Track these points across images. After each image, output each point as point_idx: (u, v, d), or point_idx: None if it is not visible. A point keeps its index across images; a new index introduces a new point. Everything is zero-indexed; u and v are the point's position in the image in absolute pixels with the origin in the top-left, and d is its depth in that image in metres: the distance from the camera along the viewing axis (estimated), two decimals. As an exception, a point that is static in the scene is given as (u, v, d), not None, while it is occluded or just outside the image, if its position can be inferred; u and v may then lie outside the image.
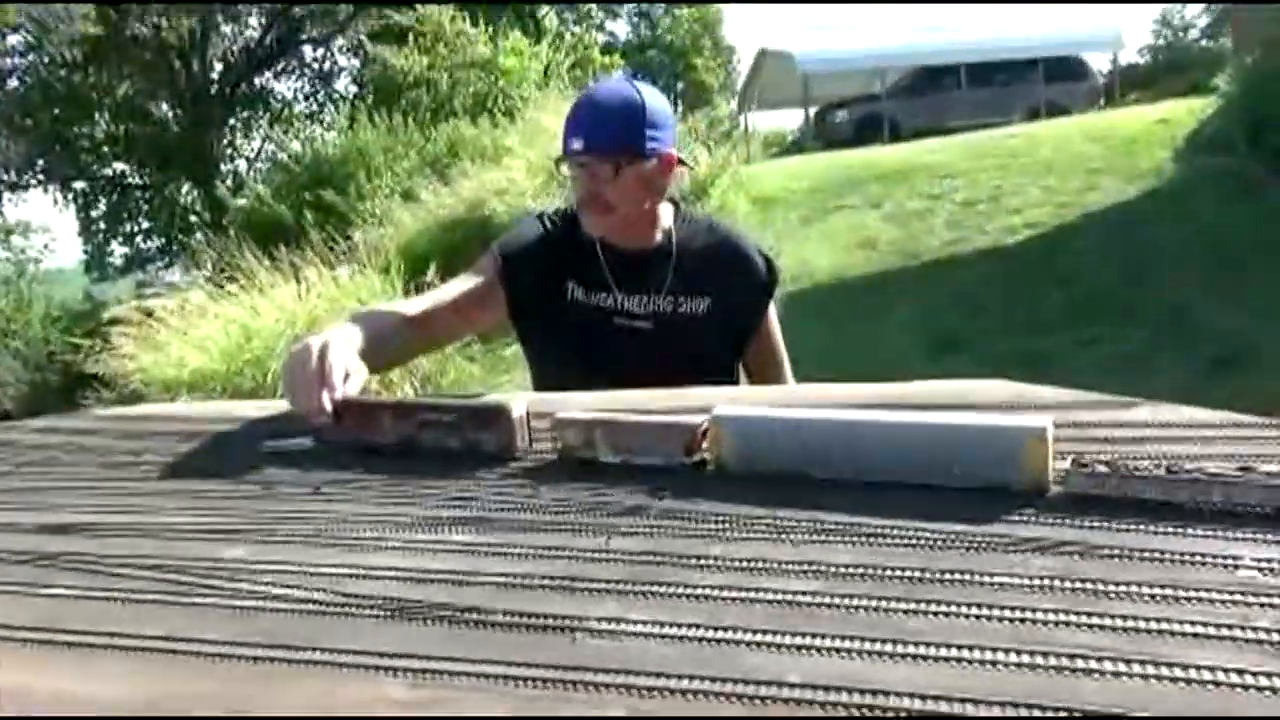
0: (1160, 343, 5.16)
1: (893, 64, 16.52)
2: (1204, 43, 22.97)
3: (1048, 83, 15.78)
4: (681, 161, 1.69)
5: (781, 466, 0.91)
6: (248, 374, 5.86)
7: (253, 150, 26.40)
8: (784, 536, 0.77)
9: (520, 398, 1.12)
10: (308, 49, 27.40)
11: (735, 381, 1.77)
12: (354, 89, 26.32)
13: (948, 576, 0.68)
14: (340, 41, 26.91)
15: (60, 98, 22.94)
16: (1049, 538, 0.73)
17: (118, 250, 26.21)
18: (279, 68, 27.24)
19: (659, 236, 1.67)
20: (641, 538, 0.80)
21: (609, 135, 1.53)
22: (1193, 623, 0.59)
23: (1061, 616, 0.61)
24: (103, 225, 25.85)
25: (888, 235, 7.43)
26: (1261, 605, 0.61)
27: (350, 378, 1.22)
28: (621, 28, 27.61)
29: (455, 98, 16.01)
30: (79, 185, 25.50)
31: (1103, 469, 0.79)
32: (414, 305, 1.68)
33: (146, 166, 25.22)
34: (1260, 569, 0.66)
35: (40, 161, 23.86)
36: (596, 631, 0.62)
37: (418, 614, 0.67)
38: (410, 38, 17.11)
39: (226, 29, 25.68)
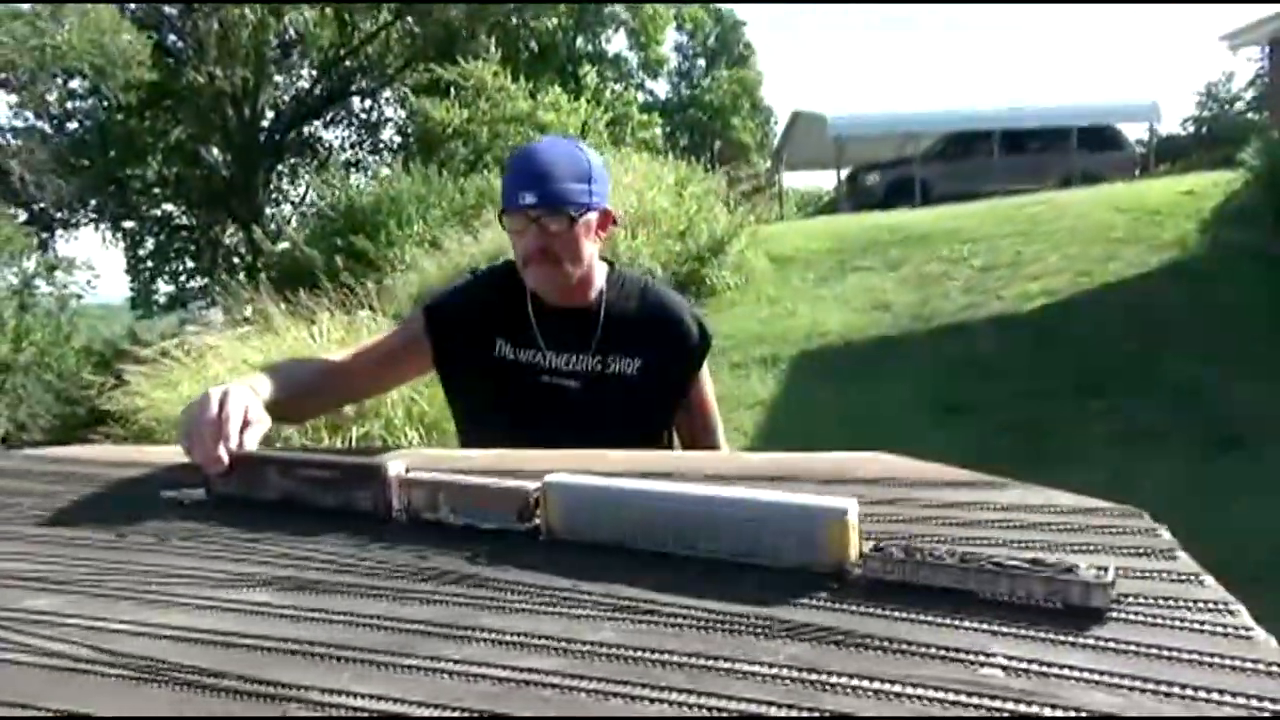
0: (1170, 418, 5.06)
1: (926, 129, 16.59)
2: (1250, 115, 22.84)
3: (1082, 151, 15.74)
4: (614, 221, 1.71)
5: (608, 537, 0.91)
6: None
7: (298, 196, 27.02)
8: (565, 610, 0.77)
9: (404, 456, 1.12)
10: (356, 100, 28.18)
11: (668, 445, 1.76)
12: (399, 139, 27.00)
13: (694, 661, 0.67)
14: (387, 93, 27.68)
15: (116, 140, 23.66)
16: (814, 624, 0.72)
17: (163, 288, 26.77)
18: (328, 117, 27.96)
19: (592, 294, 1.68)
20: (430, 605, 0.80)
21: (560, 189, 1.55)
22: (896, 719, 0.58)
23: (771, 710, 0.60)
24: (150, 263, 26.50)
25: (902, 298, 7.39)
26: (980, 704, 0.60)
27: (250, 427, 1.23)
28: (662, 86, 28.06)
29: (493, 150, 16.34)
30: (129, 224, 26.19)
31: (899, 554, 0.78)
32: (338, 356, 1.70)
33: (195, 208, 25.91)
34: (1005, 667, 0.64)
35: (93, 200, 24.53)
36: (312, 703, 0.62)
37: (160, 676, 0.67)
38: (452, 91, 17.51)
39: (279, 78, 26.52)
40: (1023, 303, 6.99)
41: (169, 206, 26.81)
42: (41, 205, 20.69)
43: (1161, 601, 0.72)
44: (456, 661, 0.68)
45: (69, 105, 22.98)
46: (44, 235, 22.57)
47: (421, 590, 0.82)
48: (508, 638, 0.71)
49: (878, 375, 6.04)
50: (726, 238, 8.42)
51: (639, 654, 0.68)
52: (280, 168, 26.97)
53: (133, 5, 22.45)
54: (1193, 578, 0.76)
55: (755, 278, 8.40)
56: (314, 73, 26.64)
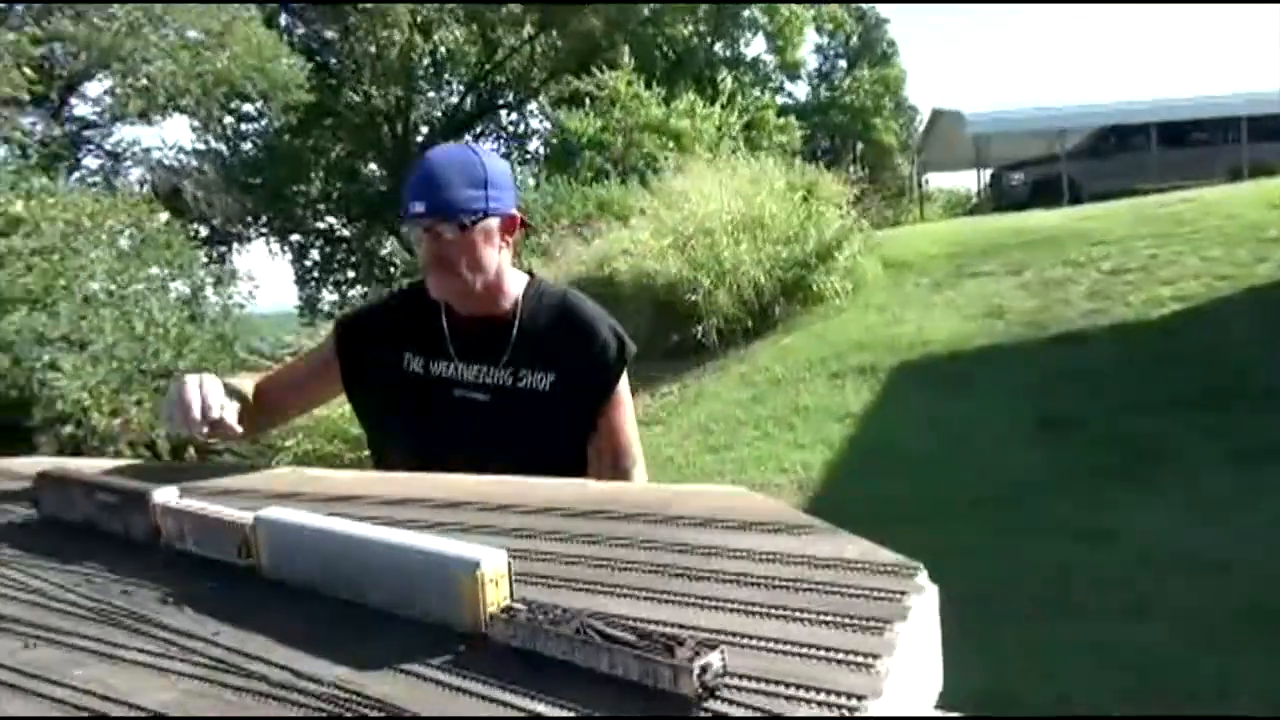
0: (1300, 438, 4.55)
1: (1075, 124, 15.65)
2: None
3: (1253, 142, 14.48)
4: (525, 223, 1.66)
5: (303, 580, 0.86)
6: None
7: (445, 207, 28.12)
8: (161, 664, 0.72)
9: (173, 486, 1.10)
10: (504, 113, 29.11)
11: (581, 463, 1.68)
12: (545, 150, 27.69)
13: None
14: (532, 106, 28.47)
15: (282, 159, 25.23)
16: (372, 696, 0.65)
17: (327, 297, 28.34)
18: (477, 130, 28.97)
19: (506, 305, 1.64)
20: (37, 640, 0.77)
21: (450, 197, 1.52)
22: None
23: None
24: (315, 274, 28.14)
25: (1019, 305, 6.97)
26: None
27: (226, 407, 1.38)
28: (801, 89, 27.64)
29: (627, 158, 16.51)
30: (295, 237, 27.88)
31: (524, 618, 0.70)
32: (259, 378, 1.72)
33: (354, 221, 27.34)
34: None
35: (263, 216, 26.22)
36: None
37: None
38: (588, 102, 17.82)
39: (430, 95, 27.70)
40: (1150, 309, 6.46)
41: (331, 220, 28.38)
42: (214, 222, 22.26)
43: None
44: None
45: (242, 127, 24.73)
46: (221, 249, 24.32)
47: (49, 627, 0.80)
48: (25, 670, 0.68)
49: (979, 386, 5.71)
50: (836, 243, 8.17)
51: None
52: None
53: (299, 30, 23.97)
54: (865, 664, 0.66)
55: (866, 284, 8.12)
56: (462, 89, 27.70)
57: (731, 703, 0.61)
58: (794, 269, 8.00)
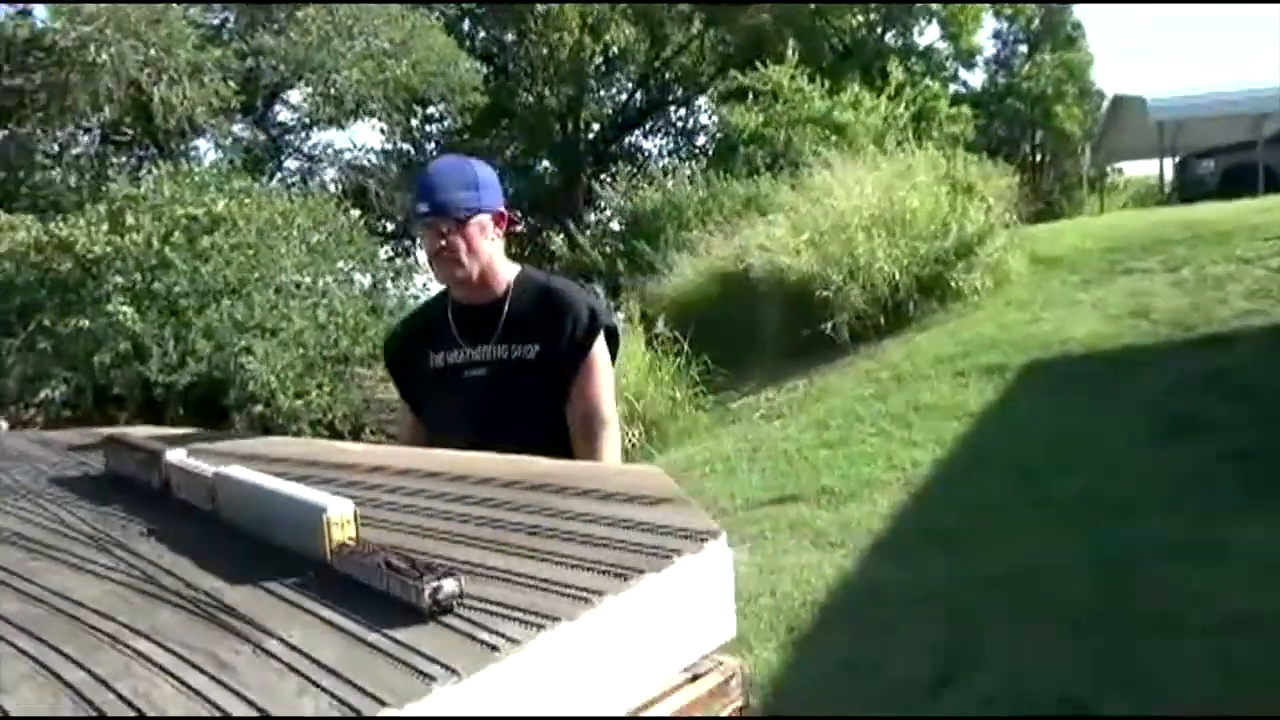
0: None
1: (1273, 107, 14.42)
2: None
3: None
4: (511, 220, 1.97)
5: (244, 520, 1.11)
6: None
7: (612, 203, 28.73)
8: (97, 570, 0.98)
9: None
10: (673, 108, 29.45)
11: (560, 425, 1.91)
12: (713, 145, 27.85)
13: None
14: (701, 101, 28.67)
15: (461, 157, 26.54)
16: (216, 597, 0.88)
17: (503, 289, 29.59)
18: (647, 126, 29.45)
19: (499, 290, 1.95)
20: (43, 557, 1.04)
21: (448, 198, 1.86)
22: None
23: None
24: (490, 266, 29.48)
25: (1170, 304, 6.61)
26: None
27: None
28: (978, 76, 26.59)
29: (789, 153, 16.48)
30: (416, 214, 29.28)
31: (347, 553, 0.91)
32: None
33: (527, 216, 28.42)
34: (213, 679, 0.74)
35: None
36: None
37: None
38: (750, 97, 17.85)
39: (601, 93, 28.40)
40: (1318, 310, 6.00)
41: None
42: (399, 218, 23.69)
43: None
44: None
45: (427, 129, 26.16)
46: (406, 243, 25.85)
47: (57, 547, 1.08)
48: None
49: (1110, 388, 5.49)
50: (978, 238, 7.97)
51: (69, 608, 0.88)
52: (604, 176, 28.85)
53: (479, 35, 25.15)
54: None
55: (1010, 281, 7.88)
56: (631, 85, 28.24)
57: (459, 617, 0.80)
58: (932, 265, 7.87)
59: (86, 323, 10.61)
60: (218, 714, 0.65)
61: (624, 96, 28.53)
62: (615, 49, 26.85)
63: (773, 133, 17.56)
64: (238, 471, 1.14)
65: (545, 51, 25.18)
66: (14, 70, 14.04)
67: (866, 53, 24.67)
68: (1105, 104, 22.20)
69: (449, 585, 0.81)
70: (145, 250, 11.34)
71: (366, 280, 16.55)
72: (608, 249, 14.82)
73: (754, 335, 8.16)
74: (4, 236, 10.72)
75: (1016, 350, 6.42)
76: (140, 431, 1.79)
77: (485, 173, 1.93)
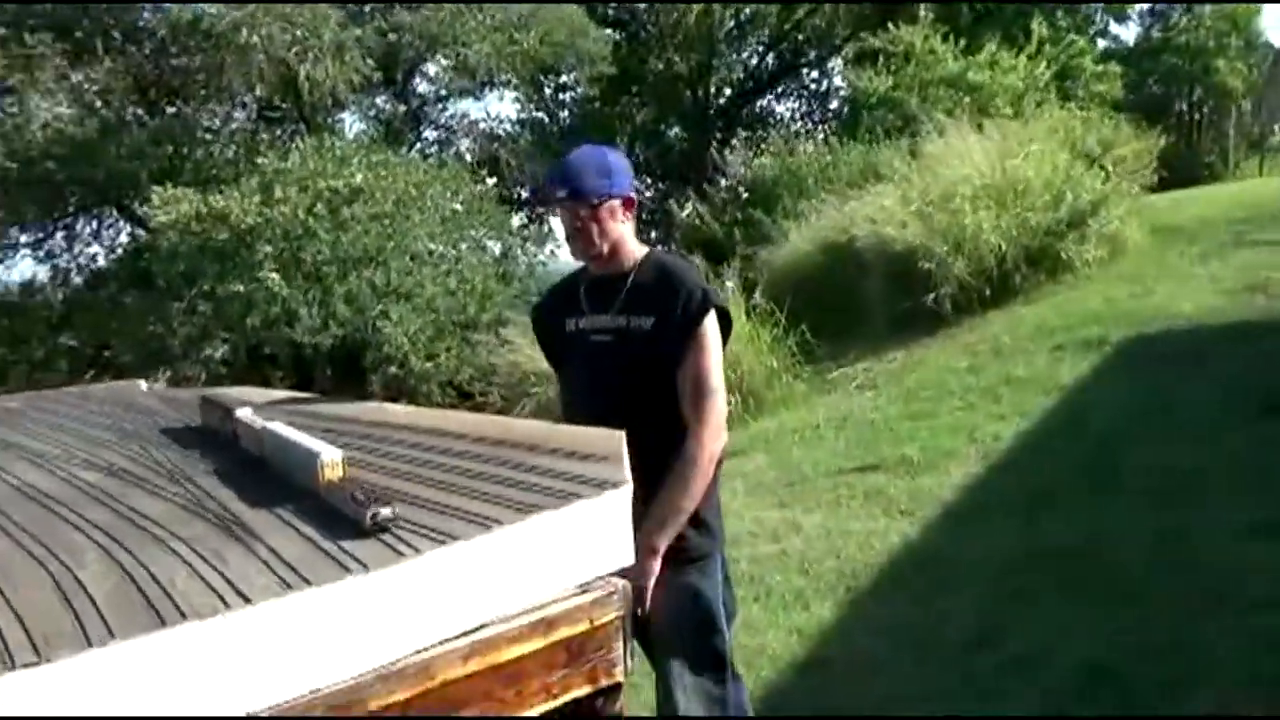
0: None
1: None
2: None
3: None
4: (641, 204, 2.23)
5: (277, 462, 1.45)
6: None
7: (740, 168, 28.63)
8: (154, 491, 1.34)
9: (255, 403, 1.75)
10: (805, 71, 29.00)
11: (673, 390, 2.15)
12: (847, 109, 27.33)
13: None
14: (835, 63, 28.14)
15: (592, 126, 26.94)
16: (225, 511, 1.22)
17: (632, 255, 30.00)
18: (779, 89, 29.14)
19: (626, 266, 2.21)
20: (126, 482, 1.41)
21: (583, 184, 2.13)
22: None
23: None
24: (618, 233, 29.93)
25: (1291, 278, 6.35)
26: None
27: None
28: (1132, 31, 25.11)
29: (917, 118, 16.13)
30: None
31: (332, 489, 1.23)
32: None
33: (656, 182, 28.69)
34: (213, 568, 1.09)
35: (573, 179, 28.17)
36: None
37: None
38: (879, 58, 17.49)
39: (732, 57, 28.23)
40: None
41: (635, 182, 29.90)
42: (530, 186, 24.35)
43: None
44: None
45: (560, 97, 26.70)
46: (540, 210, 26.53)
47: (140, 474, 1.45)
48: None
49: (1208, 366, 5.38)
50: (1092, 208, 7.78)
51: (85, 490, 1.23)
52: (734, 142, 28.77)
53: (611, 3, 25.41)
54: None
55: (1126, 252, 7.68)
56: (761, 49, 27.96)
57: (394, 534, 1.10)
58: (1042, 236, 7.75)
59: (240, 288, 11.56)
60: (211, 592, 0.98)
61: (755, 60, 28.27)
62: (746, 12, 26.60)
63: (902, 96, 17.11)
64: (277, 425, 1.48)
65: (675, 17, 25.23)
66: (179, 52, 15.23)
67: (1008, 10, 23.67)
68: (1271, 57, 20.70)
69: (385, 511, 1.12)
70: (292, 220, 12.22)
71: (497, 248, 17.23)
72: (726, 217, 14.95)
73: (856, 306, 8.23)
74: (169, 209, 11.74)
75: (1119, 324, 6.31)
76: (234, 392, 2.18)
77: (618, 161, 2.20)
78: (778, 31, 27.27)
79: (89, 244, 16.47)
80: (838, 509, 4.87)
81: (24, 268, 15.82)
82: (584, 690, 1.17)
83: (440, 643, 1.04)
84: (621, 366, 2.13)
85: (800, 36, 27.57)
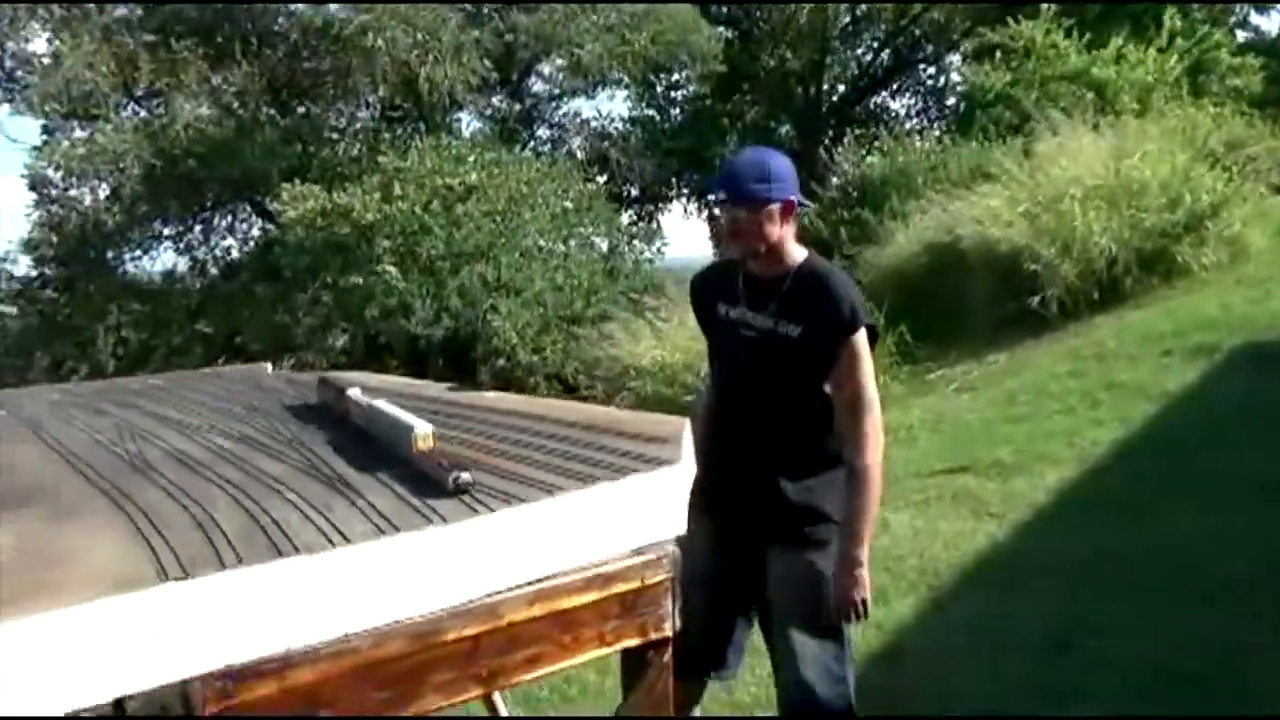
0: None
1: None
2: None
3: None
4: (802, 204, 2.27)
5: (379, 434, 1.66)
6: (693, 368, 7.13)
7: (850, 167, 28.26)
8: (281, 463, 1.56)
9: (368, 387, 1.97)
10: (922, 67, 28.42)
11: (816, 395, 2.25)
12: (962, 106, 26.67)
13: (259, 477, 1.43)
14: (953, 58, 27.48)
15: (702, 123, 27.03)
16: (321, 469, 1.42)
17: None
18: (894, 86, 28.63)
19: (783, 269, 2.26)
20: (255, 448, 1.64)
21: (744, 188, 2.19)
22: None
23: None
24: (726, 230, 29.93)
25: None
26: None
27: None
28: (1274, 21, 23.78)
29: (1036, 116, 15.68)
30: (711, 198, 29.68)
31: (422, 456, 1.43)
32: None
33: (767, 181, 28.59)
34: (322, 515, 1.28)
35: (681, 178, 28.24)
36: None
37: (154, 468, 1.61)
38: (997, 54, 17.03)
39: (845, 53, 27.90)
40: None
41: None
42: (639, 184, 24.61)
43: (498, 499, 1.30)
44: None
45: (672, 95, 26.89)
46: (649, 208, 26.79)
47: (268, 443, 1.68)
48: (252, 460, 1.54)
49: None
50: (1212, 210, 7.50)
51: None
52: (845, 140, 28.40)
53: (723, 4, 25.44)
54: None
55: (1247, 256, 7.38)
56: (876, 45, 27.53)
57: (471, 496, 1.29)
58: (1156, 239, 7.51)
59: (360, 281, 12.14)
60: (320, 534, 1.18)
61: (869, 56, 27.85)
62: (862, 8, 26.23)
63: (1020, 93, 16.56)
64: (381, 403, 1.70)
65: (788, 14, 25.08)
66: (309, 55, 16.04)
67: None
68: None
69: (465, 476, 1.31)
70: (410, 217, 12.76)
71: (605, 245, 17.51)
72: (833, 216, 14.85)
73: (959, 308, 8.14)
74: (297, 205, 12.41)
75: (1233, 331, 6.10)
76: (350, 375, 2.42)
77: (780, 166, 2.22)
78: (893, 27, 26.76)
79: (224, 237, 17.50)
80: (926, 509, 4.89)
81: (166, 258, 16.90)
82: (635, 641, 1.33)
83: (508, 589, 1.22)
84: (762, 367, 2.23)
85: (917, 32, 27.01)
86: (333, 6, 16.13)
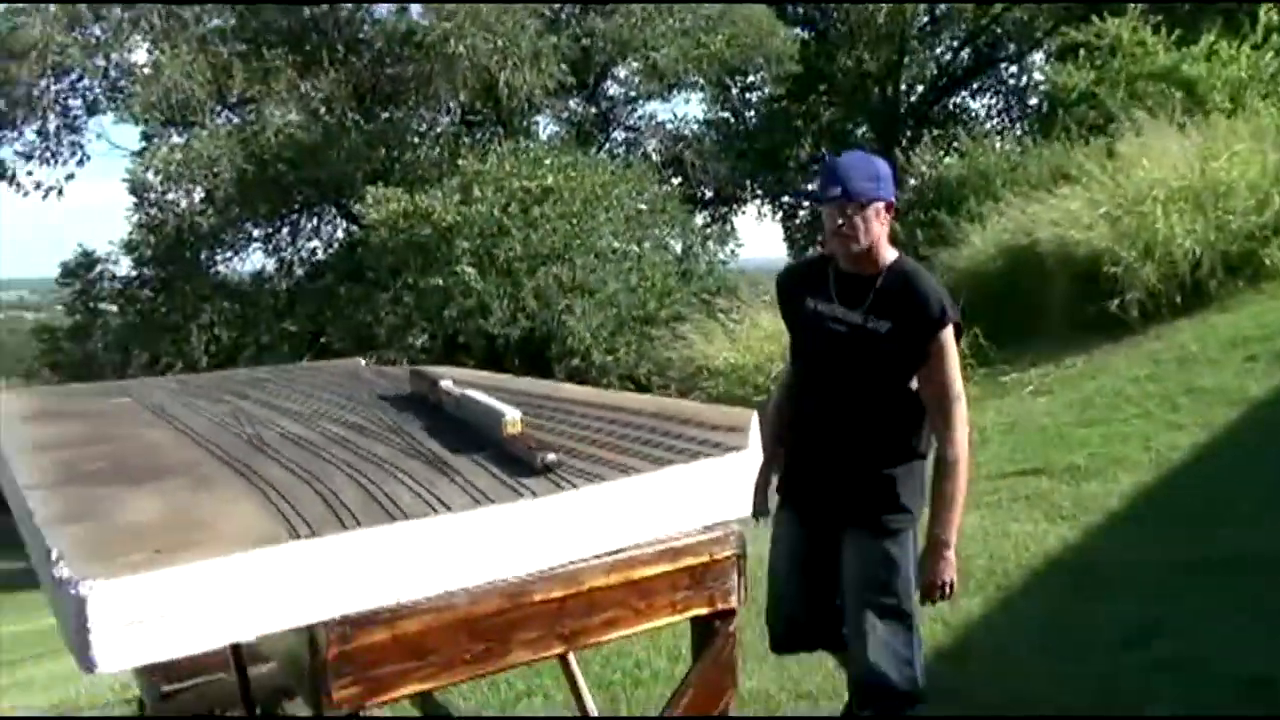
0: None
1: None
2: None
3: None
4: (897, 209, 2.41)
5: (471, 420, 1.81)
6: (764, 369, 7.21)
7: (926, 168, 27.85)
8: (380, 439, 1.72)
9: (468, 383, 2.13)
10: (1003, 66, 27.88)
11: (901, 388, 2.35)
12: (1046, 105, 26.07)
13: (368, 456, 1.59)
14: (1037, 57, 26.90)
15: (777, 125, 26.95)
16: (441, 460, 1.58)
17: (813, 254, 29.76)
18: (974, 86, 28.13)
19: (876, 268, 2.36)
20: (350, 430, 1.81)
21: (855, 186, 2.28)
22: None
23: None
24: (803, 233, 29.71)
25: None
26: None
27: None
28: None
29: (1127, 112, 15.31)
30: (785, 199, 29.54)
31: (514, 438, 1.58)
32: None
33: (842, 183, 28.35)
34: (426, 489, 1.44)
35: (755, 180, 28.18)
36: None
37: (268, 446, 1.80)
38: (1081, 52, 16.66)
39: (924, 53, 27.51)
40: None
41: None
42: (713, 186, 24.65)
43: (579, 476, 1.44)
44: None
45: (747, 97, 26.88)
46: (723, 209, 26.81)
47: (374, 425, 1.84)
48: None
49: None
50: (1296, 209, 7.29)
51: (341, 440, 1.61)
52: (924, 140, 28.01)
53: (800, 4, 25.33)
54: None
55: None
56: (956, 44, 27.09)
57: (556, 475, 1.43)
58: (1242, 241, 7.34)
59: (440, 281, 12.48)
60: (424, 503, 1.33)
61: (948, 56, 27.41)
62: (941, 7, 25.84)
63: (1105, 93, 16.10)
64: (472, 393, 1.85)
65: (866, 14, 24.85)
66: (393, 62, 16.53)
67: (1233, -5, 21.91)
68: None
69: (551, 457, 1.45)
70: (488, 219, 13.08)
71: (678, 246, 17.63)
72: (909, 218, 14.71)
73: (1036, 311, 8.05)
74: (380, 207, 12.82)
75: (1323, 336, 5.95)
76: (440, 369, 2.59)
77: (884, 168, 2.35)
78: (974, 26, 26.28)
79: (310, 239, 18.14)
80: (997, 510, 4.90)
81: (255, 259, 17.59)
82: (703, 610, 1.46)
83: (588, 558, 1.35)
84: (850, 361, 2.33)
85: (999, 30, 26.47)
86: (415, 13, 16.61)
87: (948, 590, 2.30)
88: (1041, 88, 26.89)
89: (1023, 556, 4.31)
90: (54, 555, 1.06)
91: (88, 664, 1.01)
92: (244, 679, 2.18)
